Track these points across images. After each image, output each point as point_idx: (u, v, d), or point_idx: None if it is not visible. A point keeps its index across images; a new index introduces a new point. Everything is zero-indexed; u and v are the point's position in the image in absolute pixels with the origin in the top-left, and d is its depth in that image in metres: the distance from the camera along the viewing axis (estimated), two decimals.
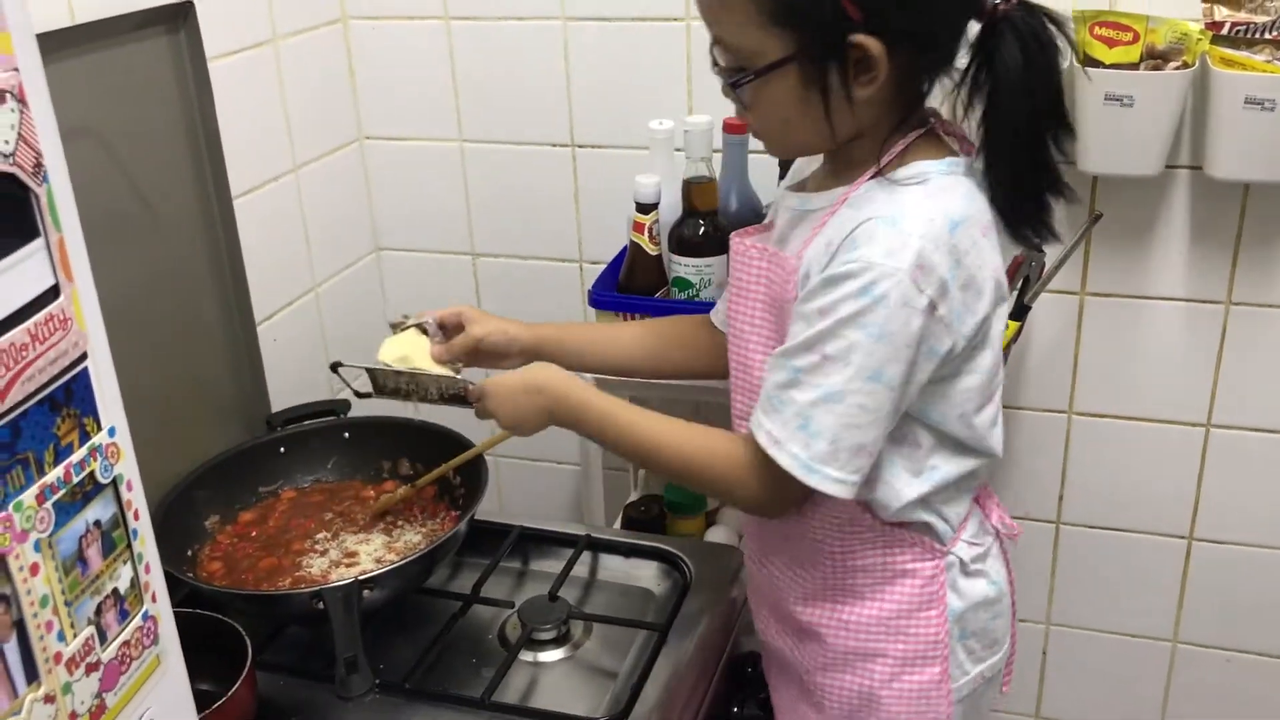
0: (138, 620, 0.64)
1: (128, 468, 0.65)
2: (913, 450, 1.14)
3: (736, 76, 1.07)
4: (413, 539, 1.49)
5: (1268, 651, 1.79)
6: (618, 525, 1.77)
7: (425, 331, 1.41)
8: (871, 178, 1.09)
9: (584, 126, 1.81)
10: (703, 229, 1.57)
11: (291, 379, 1.76)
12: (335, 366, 1.47)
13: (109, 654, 0.61)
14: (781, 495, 1.13)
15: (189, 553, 1.48)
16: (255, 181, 1.67)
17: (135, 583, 0.65)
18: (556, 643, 1.41)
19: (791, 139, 1.13)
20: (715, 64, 1.12)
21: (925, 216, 1.03)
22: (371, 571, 1.39)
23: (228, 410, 1.64)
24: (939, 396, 1.11)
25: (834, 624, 1.21)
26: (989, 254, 1.08)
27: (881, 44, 1.01)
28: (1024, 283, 1.53)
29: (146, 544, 0.65)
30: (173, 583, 1.37)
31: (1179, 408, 1.70)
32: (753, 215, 1.61)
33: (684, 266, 1.58)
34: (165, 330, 1.51)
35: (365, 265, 1.97)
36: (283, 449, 1.61)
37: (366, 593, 1.32)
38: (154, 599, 0.66)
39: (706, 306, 1.40)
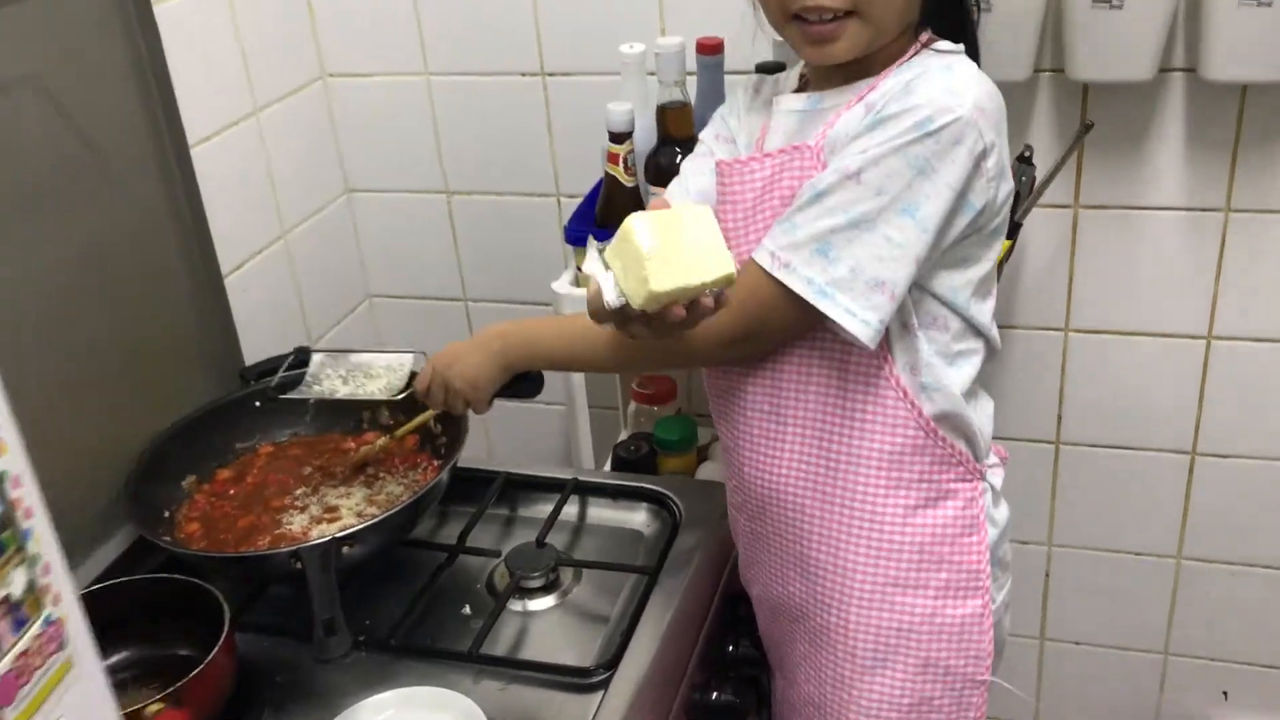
0: (37, 627, 0.60)
1: (13, 462, 0.59)
2: (941, 334, 1.12)
3: None
4: (394, 490, 1.46)
5: (1273, 563, 1.76)
6: (607, 467, 1.73)
7: None
8: (903, 62, 1.09)
9: (554, 54, 1.73)
10: (680, 156, 1.50)
11: (264, 331, 1.71)
12: (279, 393, 1.47)
13: (3, 667, 0.57)
14: (757, 325, 1.09)
15: (166, 514, 1.44)
16: (213, 127, 1.61)
17: (32, 586, 0.60)
18: (545, 590, 1.38)
19: (897, 12, 1.07)
20: None
21: (976, 74, 1.06)
22: (351, 527, 1.35)
23: (199, 366, 1.59)
24: (958, 274, 1.09)
25: (866, 555, 1.16)
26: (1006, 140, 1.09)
27: None
28: (1014, 198, 1.46)
29: (44, 543, 0.60)
30: (148, 547, 1.36)
31: (1179, 320, 1.65)
32: None
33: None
34: (127, 287, 1.45)
35: (336, 208, 1.91)
36: (258, 403, 1.57)
37: (347, 549, 1.29)
38: (57, 601, 0.61)
39: None
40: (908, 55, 1.10)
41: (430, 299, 2.00)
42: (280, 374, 1.48)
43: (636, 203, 1.56)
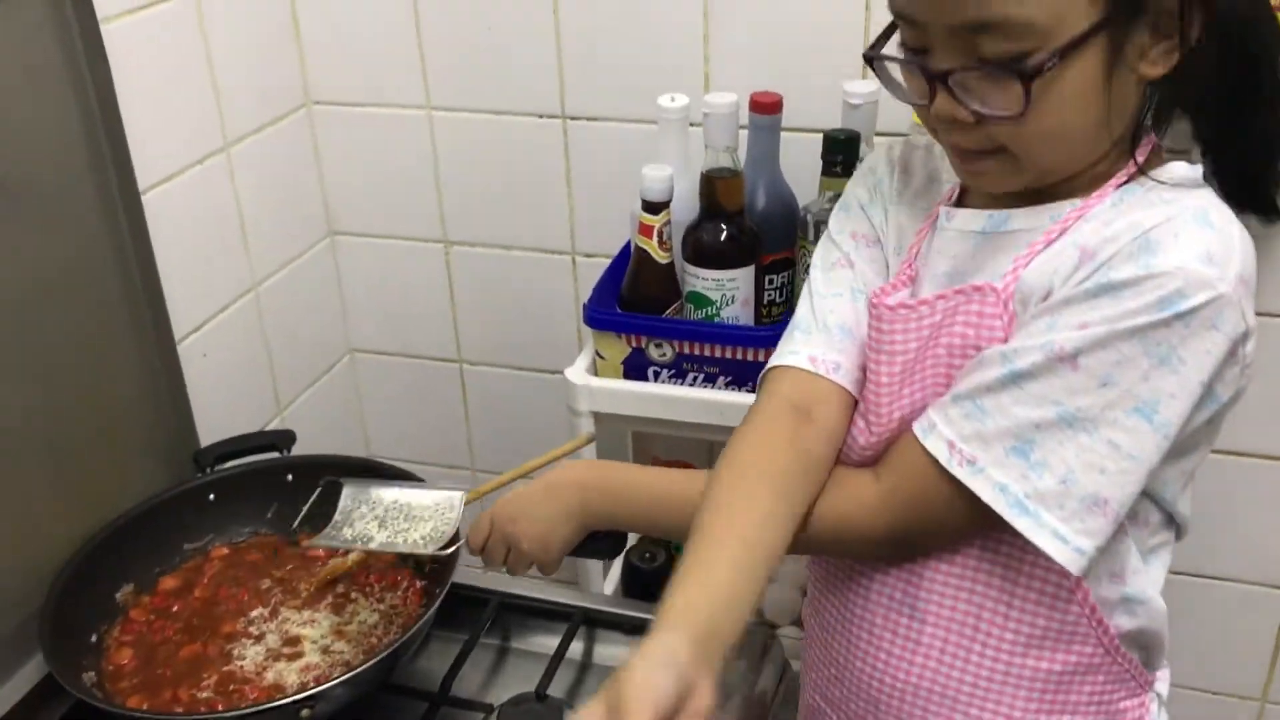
0: None
1: None
2: (1141, 529, 0.88)
3: (1026, 64, 0.76)
4: (367, 619, 1.23)
5: None
6: (616, 580, 1.50)
7: None
8: (1120, 185, 0.84)
9: (577, 94, 1.49)
10: (725, 233, 1.27)
11: (226, 404, 1.48)
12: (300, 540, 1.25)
13: None
14: (920, 529, 0.87)
15: (94, 638, 1.21)
16: (173, 167, 1.37)
17: None
18: None
19: (1066, 152, 0.82)
20: (945, 74, 0.79)
21: (1237, 223, 0.81)
22: (312, 686, 1.12)
23: (144, 449, 1.35)
24: (1173, 465, 0.84)
25: None
26: None
27: None
28: None
29: None
30: (61, 694, 1.11)
31: None
32: (784, 215, 1.31)
33: (702, 280, 1.29)
34: (58, 355, 1.22)
35: (317, 253, 1.67)
36: (213, 495, 1.34)
37: (305, 713, 1.05)
38: None
39: (730, 330, 1.19)
40: (1127, 172, 0.84)
41: (421, 358, 1.76)
42: (304, 510, 1.22)
43: (670, 282, 1.32)
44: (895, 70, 0.84)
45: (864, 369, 0.93)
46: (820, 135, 1.26)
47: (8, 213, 1.14)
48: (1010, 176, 0.84)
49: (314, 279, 1.67)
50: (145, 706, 1.12)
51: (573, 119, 1.51)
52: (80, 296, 1.25)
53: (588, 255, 1.60)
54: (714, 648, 0.77)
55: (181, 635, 1.22)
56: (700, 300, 1.30)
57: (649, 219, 1.28)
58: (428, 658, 1.27)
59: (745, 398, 1.30)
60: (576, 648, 1.27)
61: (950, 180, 0.93)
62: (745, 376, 1.29)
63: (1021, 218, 0.86)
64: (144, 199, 1.29)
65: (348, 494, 1.18)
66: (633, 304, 1.33)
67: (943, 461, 0.82)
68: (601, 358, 1.34)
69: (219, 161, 1.44)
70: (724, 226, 1.27)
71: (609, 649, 1.28)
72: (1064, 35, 0.75)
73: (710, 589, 0.81)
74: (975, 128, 0.81)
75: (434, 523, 1.14)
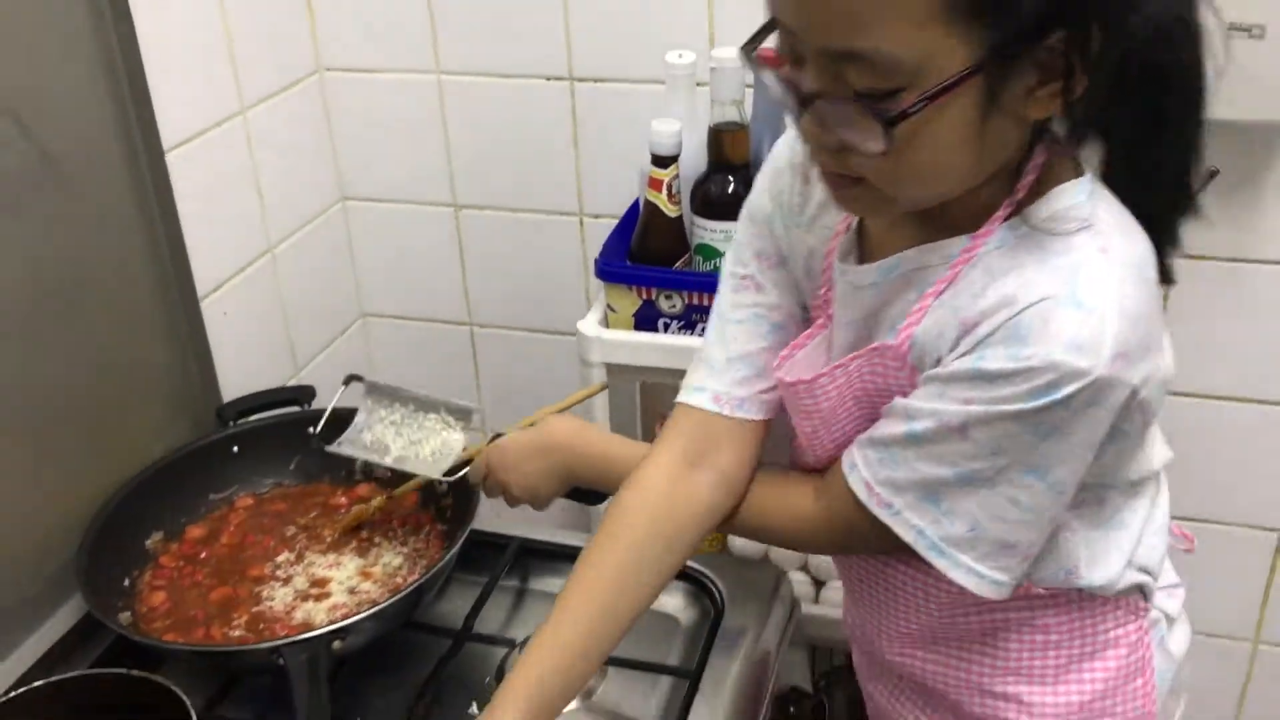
0: None
1: None
2: (1096, 509, 0.90)
3: (888, 104, 0.71)
4: (392, 561, 1.27)
5: None
6: None
7: None
8: (1003, 220, 0.81)
9: (584, 56, 1.53)
10: (732, 186, 1.31)
11: (246, 361, 1.51)
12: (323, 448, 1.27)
13: None
14: (855, 546, 0.95)
15: (126, 582, 1.25)
16: (193, 129, 1.40)
17: None
18: None
19: (933, 188, 0.79)
20: (811, 97, 0.74)
21: (1114, 281, 0.77)
22: (342, 611, 1.17)
23: (169, 404, 1.38)
24: (1108, 457, 0.85)
25: (1017, 714, 0.98)
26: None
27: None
28: None
29: None
30: (98, 626, 1.16)
31: (1276, 386, 1.47)
32: None
33: (710, 231, 1.33)
34: (87, 313, 1.25)
35: (329, 218, 1.70)
36: (236, 448, 1.38)
37: (338, 644, 1.09)
38: None
39: None
40: (985, 232, 0.80)
41: (431, 321, 1.79)
42: (327, 412, 1.29)
43: (679, 235, 1.36)
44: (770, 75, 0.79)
45: (775, 391, 0.96)
46: None
47: (43, 174, 1.18)
48: (877, 207, 0.82)
49: (326, 243, 1.70)
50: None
51: (579, 80, 1.54)
52: (110, 255, 1.28)
53: (595, 216, 1.63)
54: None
55: (211, 579, 1.26)
56: (709, 252, 1.34)
57: (658, 173, 1.31)
58: (450, 600, 1.31)
59: None
60: None
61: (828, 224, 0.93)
62: None
63: (912, 258, 0.84)
64: (167, 158, 1.33)
65: (369, 396, 1.23)
66: (642, 258, 1.37)
67: (863, 500, 0.86)
68: (613, 310, 1.38)
69: (236, 124, 1.47)
70: (731, 179, 1.31)
71: None
72: (934, 78, 0.70)
73: (554, 662, 0.91)
74: (840, 155, 0.77)
75: (444, 437, 1.20)
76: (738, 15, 1.43)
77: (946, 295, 0.82)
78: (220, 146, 1.45)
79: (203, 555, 1.29)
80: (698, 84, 1.37)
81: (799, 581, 1.58)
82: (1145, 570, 0.95)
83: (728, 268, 1.01)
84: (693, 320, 1.36)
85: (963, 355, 0.79)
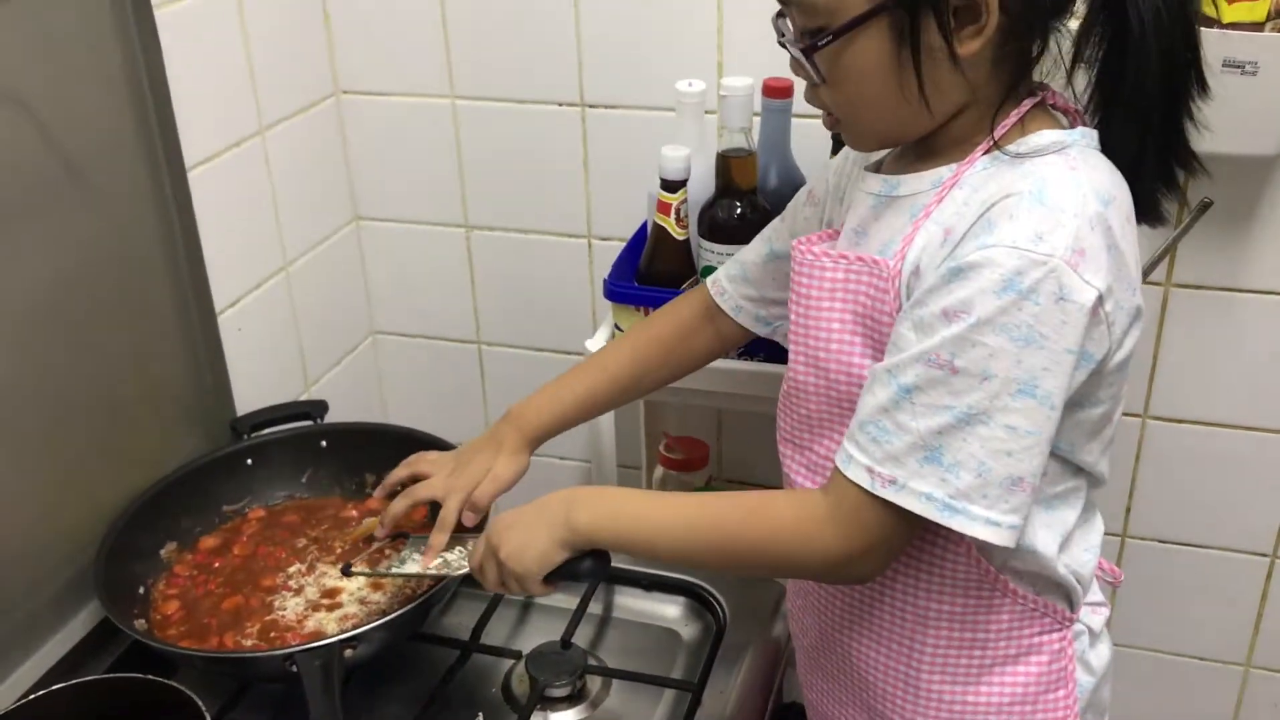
0: None
1: None
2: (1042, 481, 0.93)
3: (812, 40, 0.87)
4: None
5: None
6: None
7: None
8: (985, 152, 0.90)
9: (596, 84, 1.57)
10: (739, 210, 1.35)
11: (259, 376, 1.54)
12: (347, 572, 1.24)
13: None
14: (870, 545, 0.90)
15: (141, 590, 1.27)
16: (215, 147, 1.43)
17: None
18: (570, 700, 1.21)
19: (882, 119, 0.91)
20: (782, 36, 0.92)
21: (1075, 189, 0.84)
22: (353, 621, 1.19)
23: (185, 416, 1.41)
24: (1068, 417, 0.89)
25: (936, 714, 1.01)
26: (1134, 244, 0.89)
27: None
28: None
29: None
30: (114, 631, 1.18)
31: (1272, 414, 1.50)
32: (795, 194, 1.38)
33: (716, 255, 1.36)
34: (107, 325, 1.28)
35: (343, 237, 1.74)
36: (250, 460, 1.41)
37: (349, 652, 1.12)
38: None
39: None
40: (1001, 133, 0.89)
41: (440, 339, 1.83)
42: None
43: (686, 258, 1.39)
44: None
45: (757, 304, 1.16)
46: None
47: (69, 188, 1.21)
48: (859, 139, 0.96)
49: (339, 262, 1.74)
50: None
51: (591, 107, 1.58)
52: (131, 269, 1.31)
53: (603, 239, 1.67)
54: (535, 438, 1.20)
55: (224, 588, 1.28)
56: None
57: (667, 197, 1.35)
58: (457, 613, 1.34)
59: (756, 366, 1.38)
60: (598, 601, 1.34)
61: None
62: (756, 347, 1.36)
63: (908, 183, 0.94)
64: (189, 176, 1.36)
65: (410, 544, 1.21)
66: (650, 279, 1.40)
67: (867, 487, 0.87)
68: (620, 330, 1.41)
69: (255, 144, 1.51)
70: (738, 204, 1.35)
71: (628, 601, 1.35)
72: (844, 17, 0.85)
73: (553, 403, 1.20)
74: (812, 91, 0.93)
75: (452, 556, 1.19)
76: (746, 46, 1.47)
77: (934, 214, 0.90)
78: (239, 166, 1.48)
79: (216, 565, 1.31)
80: (706, 112, 1.41)
81: None
82: (1077, 576, 0.98)
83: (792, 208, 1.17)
84: None
85: (942, 260, 0.86)
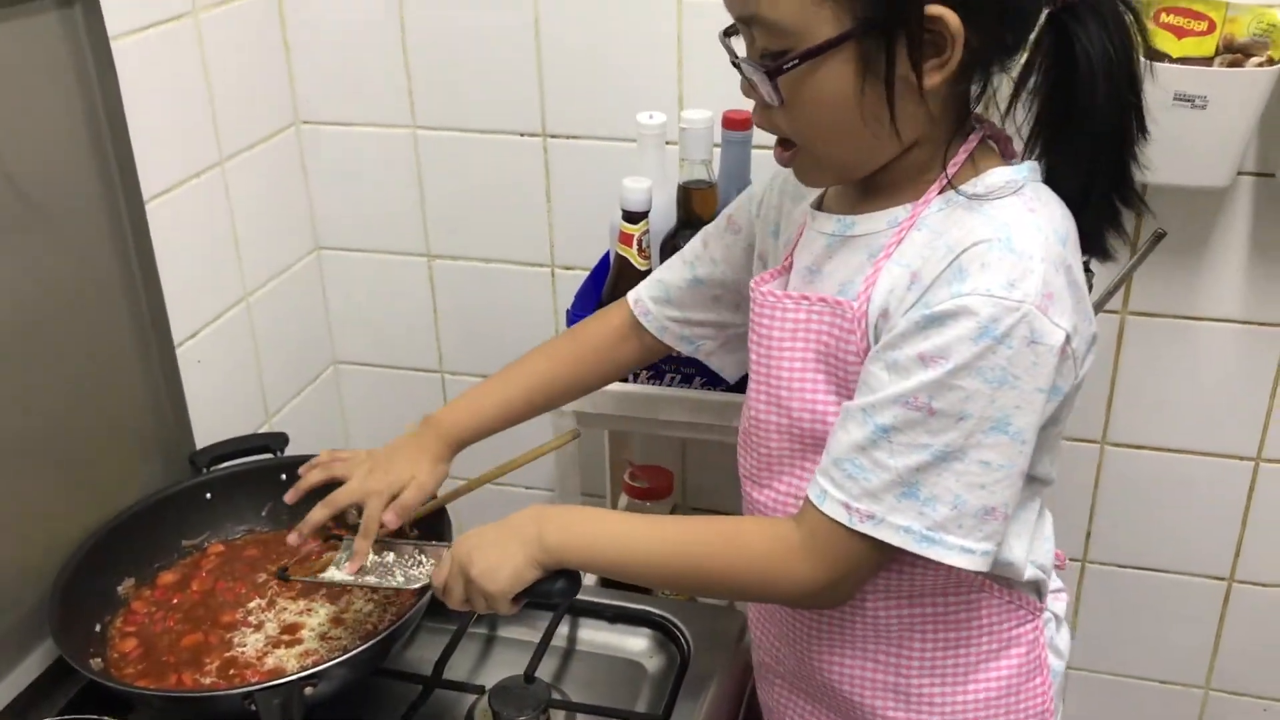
0: None
1: None
2: None
3: (775, 62, 0.86)
4: (363, 608, 1.28)
5: None
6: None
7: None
8: (940, 191, 0.91)
9: (558, 114, 1.57)
10: None
11: (219, 408, 1.53)
12: (283, 577, 1.22)
13: None
14: (843, 575, 0.92)
15: (98, 628, 1.25)
16: (174, 178, 1.42)
17: None
18: None
19: (840, 146, 0.91)
20: (735, 57, 0.91)
21: (1038, 232, 0.86)
22: (314, 657, 1.18)
23: (143, 450, 1.40)
24: (1036, 443, 0.91)
25: (929, 715, 1.02)
26: (1082, 271, 0.92)
27: (958, 17, 0.83)
28: None
29: None
30: (69, 671, 1.16)
31: (1227, 440, 1.52)
32: None
33: None
34: (64, 358, 1.27)
35: (303, 267, 1.73)
36: (209, 494, 1.39)
37: (309, 690, 1.11)
38: None
39: None
40: (954, 170, 0.90)
41: (403, 369, 1.82)
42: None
43: None
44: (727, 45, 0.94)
45: (679, 324, 1.18)
46: None
47: (24, 220, 1.20)
48: (812, 170, 0.94)
49: (300, 292, 1.73)
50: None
51: (553, 137, 1.59)
52: (88, 301, 1.30)
53: (566, 268, 1.67)
54: (456, 445, 1.20)
55: (182, 625, 1.26)
56: None
57: (629, 228, 1.35)
58: (419, 647, 1.32)
59: (719, 396, 1.38)
60: (561, 634, 1.34)
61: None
62: (719, 377, 1.37)
63: (863, 223, 0.94)
64: (147, 207, 1.35)
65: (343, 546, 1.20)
66: None
67: (845, 522, 0.89)
68: None
69: (214, 175, 1.50)
70: None
71: (591, 634, 1.34)
72: (811, 41, 0.84)
73: (474, 409, 1.21)
74: (765, 113, 0.91)
75: (413, 571, 1.18)
76: (706, 79, 1.49)
77: (895, 256, 0.91)
78: (199, 197, 1.47)
79: (174, 601, 1.30)
80: (667, 143, 1.42)
81: None
82: (1042, 569, 1.01)
83: (714, 225, 1.18)
84: (661, 370, 1.39)
85: (912, 307, 0.86)
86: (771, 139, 0.95)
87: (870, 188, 0.95)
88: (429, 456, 1.18)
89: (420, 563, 1.17)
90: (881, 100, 0.86)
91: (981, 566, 0.88)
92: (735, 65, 0.91)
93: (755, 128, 1.34)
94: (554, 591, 1.00)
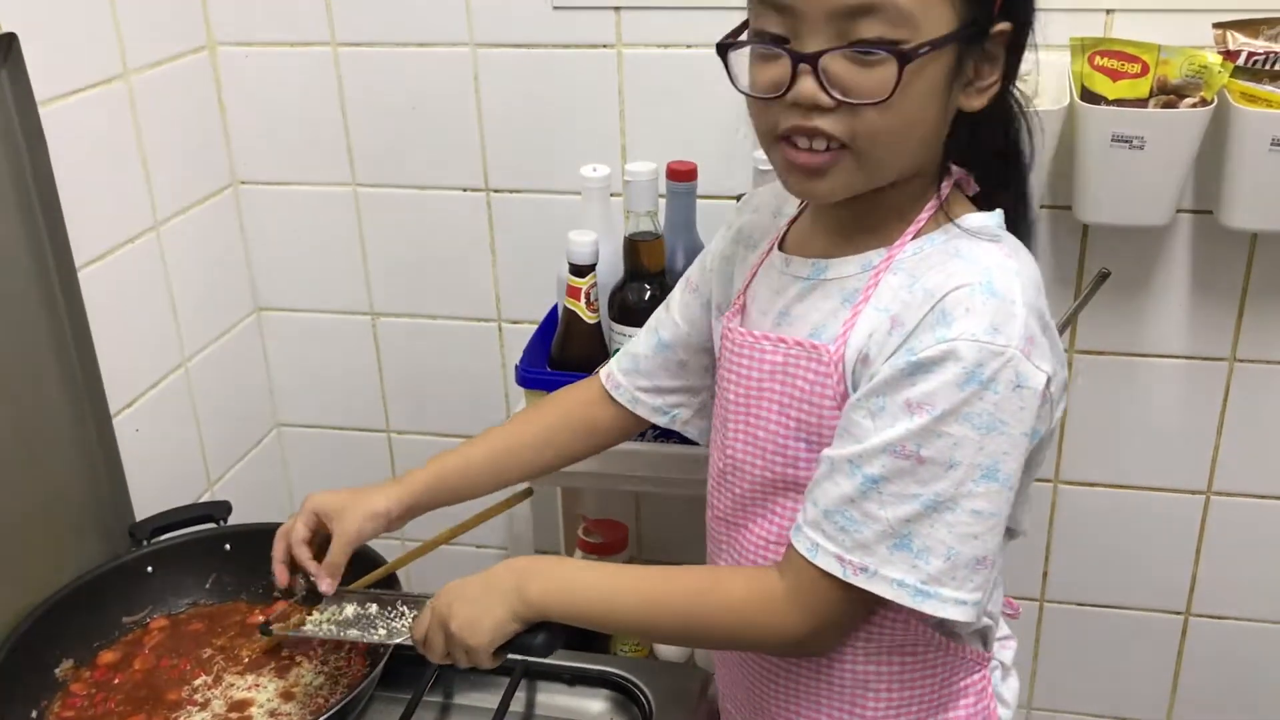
0: None
1: None
2: None
3: (892, 47, 0.81)
4: (312, 680, 1.24)
5: None
6: None
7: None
8: (914, 236, 0.91)
9: (500, 169, 1.56)
10: (649, 293, 1.34)
11: (159, 478, 1.48)
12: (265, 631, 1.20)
13: None
14: (828, 625, 0.92)
15: (34, 714, 1.20)
16: (107, 245, 1.39)
17: None
18: None
19: (898, 151, 0.87)
20: (816, 55, 0.82)
21: (1016, 278, 0.86)
22: None
23: (80, 524, 1.35)
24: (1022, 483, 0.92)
25: None
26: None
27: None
28: None
29: None
30: None
31: (1176, 474, 1.53)
32: None
33: (629, 337, 1.34)
34: None
35: (244, 329, 1.69)
36: (150, 567, 1.35)
37: None
38: None
39: None
40: (928, 215, 0.91)
41: (348, 429, 1.78)
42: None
43: (598, 341, 1.38)
44: (739, 63, 0.88)
45: (651, 394, 1.15)
46: (734, 200, 1.34)
47: None
48: (846, 180, 0.87)
49: (240, 355, 1.69)
50: None
51: (496, 191, 1.57)
52: (19, 373, 1.25)
53: (513, 322, 1.65)
54: (418, 509, 1.16)
55: (124, 706, 1.21)
56: None
57: (576, 281, 1.34)
58: (372, 717, 1.29)
59: (674, 449, 1.37)
60: (520, 699, 1.31)
61: (788, 214, 1.03)
62: (672, 431, 1.35)
63: (835, 266, 0.93)
64: (80, 275, 1.32)
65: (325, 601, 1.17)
66: (562, 364, 1.38)
67: (839, 575, 0.87)
68: None
69: (149, 240, 1.47)
70: (647, 286, 1.34)
71: (551, 698, 1.31)
72: (929, 34, 0.81)
73: (443, 474, 1.16)
74: (826, 117, 0.84)
75: (397, 624, 1.15)
76: (648, 131, 1.49)
77: (872, 300, 0.90)
78: (133, 262, 1.44)
79: (116, 681, 1.25)
80: (612, 195, 1.41)
81: None
82: (990, 616, 1.00)
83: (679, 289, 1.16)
84: None
85: (895, 353, 0.85)
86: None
87: (846, 229, 0.94)
88: (365, 506, 1.15)
89: (403, 614, 1.15)
90: (945, 116, 0.87)
91: (972, 617, 0.87)
92: (806, 60, 0.82)
93: (702, 179, 1.37)
94: (535, 645, 0.98)
